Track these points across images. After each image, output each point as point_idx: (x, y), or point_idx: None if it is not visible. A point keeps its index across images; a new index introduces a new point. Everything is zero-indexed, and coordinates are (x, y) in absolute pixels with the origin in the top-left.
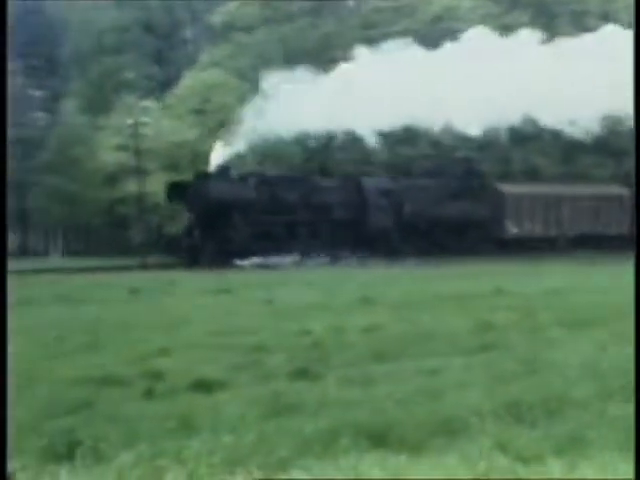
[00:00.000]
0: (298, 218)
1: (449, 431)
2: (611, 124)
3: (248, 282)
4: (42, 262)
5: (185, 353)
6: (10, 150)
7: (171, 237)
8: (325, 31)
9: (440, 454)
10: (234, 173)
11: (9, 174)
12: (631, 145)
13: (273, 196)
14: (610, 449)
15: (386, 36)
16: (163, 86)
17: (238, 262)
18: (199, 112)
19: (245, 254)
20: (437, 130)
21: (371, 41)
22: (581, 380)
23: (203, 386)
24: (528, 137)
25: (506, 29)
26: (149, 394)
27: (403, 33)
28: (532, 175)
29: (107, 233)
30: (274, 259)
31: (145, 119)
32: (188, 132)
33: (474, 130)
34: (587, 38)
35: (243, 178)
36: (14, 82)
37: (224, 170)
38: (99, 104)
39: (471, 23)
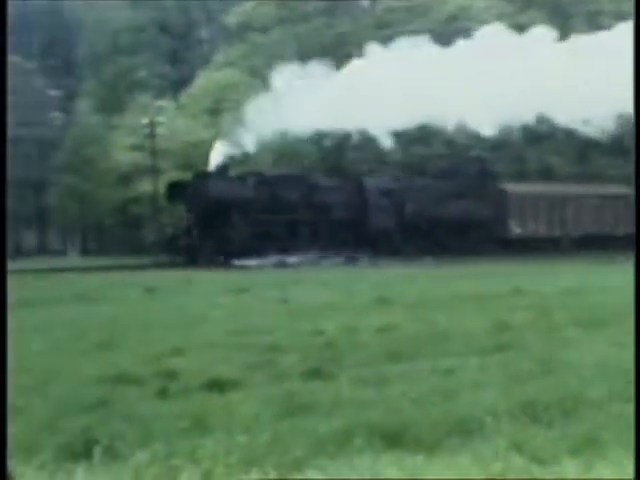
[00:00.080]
0: (298, 218)
1: (464, 431)
2: (626, 123)
3: (262, 281)
4: (61, 261)
5: (199, 352)
6: (29, 149)
7: (171, 236)
8: (339, 31)
9: (455, 454)
10: (236, 172)
11: (28, 173)
12: None
13: (273, 195)
14: (626, 449)
15: (400, 36)
16: (177, 86)
17: (236, 262)
18: (214, 112)
19: (244, 254)
20: (451, 129)
21: (385, 41)
22: (597, 380)
23: (217, 386)
24: (542, 136)
25: (520, 29)
26: (163, 393)
27: (417, 33)
28: (546, 175)
29: (121, 232)
30: (279, 259)
31: (160, 119)
32: (203, 132)
33: (488, 129)
34: (602, 35)
35: (242, 178)
36: (33, 82)
37: (223, 169)
38: (113, 104)
39: (485, 23)
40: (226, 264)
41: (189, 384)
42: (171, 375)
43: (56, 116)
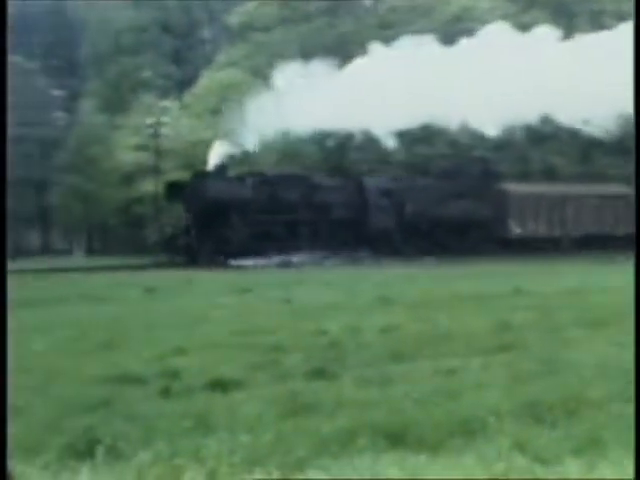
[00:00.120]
0: (298, 218)
1: (467, 431)
2: (629, 122)
3: (265, 281)
4: (66, 261)
5: (202, 352)
6: (32, 149)
7: (170, 236)
8: (342, 30)
9: (458, 454)
10: (238, 172)
11: (32, 173)
12: None
13: (272, 195)
14: (626, 449)
15: (403, 35)
16: (181, 86)
17: (233, 262)
18: (218, 112)
19: (243, 254)
20: (454, 129)
21: (388, 40)
22: (599, 380)
23: (220, 385)
24: (546, 136)
25: (523, 28)
26: (166, 393)
27: (420, 33)
28: (549, 175)
29: (125, 232)
30: (279, 259)
31: (164, 119)
32: (207, 132)
33: (491, 129)
34: (604, 35)
35: (241, 177)
36: (36, 82)
37: (222, 169)
38: (117, 104)
39: (488, 23)
40: (225, 264)
41: (192, 384)
42: (174, 375)
43: (60, 116)
